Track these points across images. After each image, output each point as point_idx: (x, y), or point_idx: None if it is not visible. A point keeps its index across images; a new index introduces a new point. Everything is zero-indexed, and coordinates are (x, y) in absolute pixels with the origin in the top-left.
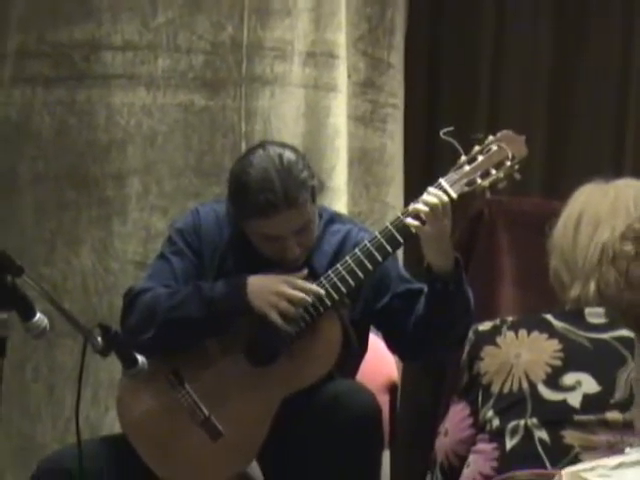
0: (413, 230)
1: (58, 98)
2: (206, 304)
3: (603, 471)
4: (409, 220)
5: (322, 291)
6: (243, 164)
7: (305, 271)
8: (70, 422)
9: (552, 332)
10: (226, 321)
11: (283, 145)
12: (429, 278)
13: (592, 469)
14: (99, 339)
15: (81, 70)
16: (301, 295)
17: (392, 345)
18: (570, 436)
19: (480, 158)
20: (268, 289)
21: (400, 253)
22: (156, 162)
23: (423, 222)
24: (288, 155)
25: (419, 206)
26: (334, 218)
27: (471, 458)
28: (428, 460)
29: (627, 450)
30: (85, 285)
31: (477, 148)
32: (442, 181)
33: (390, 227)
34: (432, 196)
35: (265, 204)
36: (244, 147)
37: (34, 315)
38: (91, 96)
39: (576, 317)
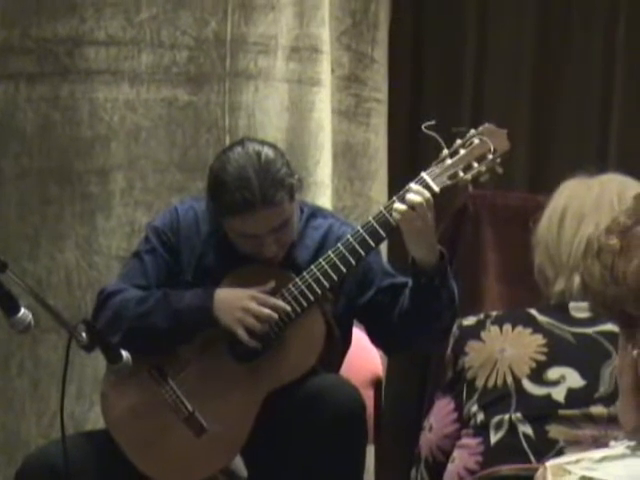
0: (394, 224)
1: (42, 94)
2: (172, 315)
3: (588, 464)
4: (395, 215)
5: (288, 307)
6: (221, 161)
7: (273, 284)
8: (55, 417)
9: (536, 327)
10: (192, 333)
11: (262, 142)
12: (414, 273)
13: (577, 462)
14: (83, 334)
15: (65, 66)
16: (267, 312)
17: (376, 339)
18: (554, 430)
19: (462, 151)
20: (235, 305)
21: (384, 248)
22: (140, 157)
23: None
24: (266, 152)
25: (402, 206)
26: (315, 213)
27: (456, 453)
28: (413, 456)
29: (612, 443)
30: (69, 280)
31: (459, 141)
32: (424, 175)
33: (373, 221)
34: (414, 194)
35: (242, 202)
36: (228, 142)
37: (18, 311)
38: (74, 92)
39: (560, 312)
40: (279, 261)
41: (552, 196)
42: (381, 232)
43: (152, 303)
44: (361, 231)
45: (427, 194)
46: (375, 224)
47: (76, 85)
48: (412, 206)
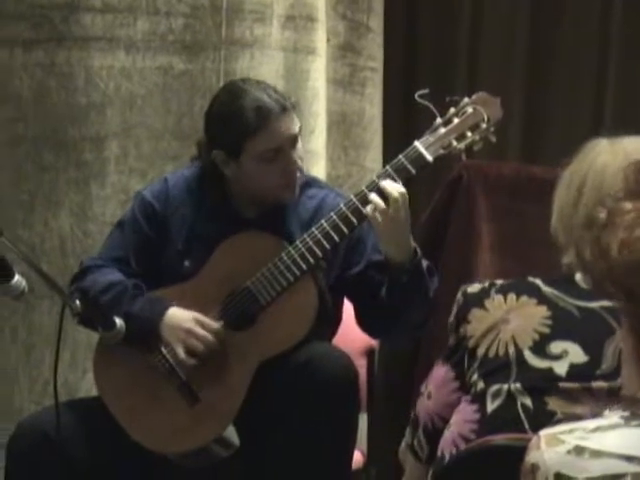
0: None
1: (37, 60)
2: (122, 316)
3: (581, 434)
4: (367, 209)
5: (222, 333)
6: (229, 95)
7: (221, 323)
8: (48, 384)
9: (541, 298)
10: (134, 338)
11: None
12: (385, 267)
13: (570, 431)
14: (77, 302)
15: (60, 32)
16: (209, 337)
17: (360, 319)
18: (554, 403)
19: (455, 120)
20: (179, 325)
21: None
22: (135, 125)
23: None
24: (259, 80)
25: (376, 198)
26: (311, 182)
27: (452, 419)
28: (407, 423)
29: (606, 413)
30: (63, 248)
31: (452, 110)
32: (417, 144)
33: (365, 191)
34: (389, 189)
35: (262, 113)
36: None
37: (13, 277)
38: (70, 58)
39: (566, 283)
40: (272, 227)
41: (580, 152)
42: None
43: (110, 296)
44: (354, 200)
45: (402, 189)
46: (368, 193)
47: (72, 52)
48: (386, 199)
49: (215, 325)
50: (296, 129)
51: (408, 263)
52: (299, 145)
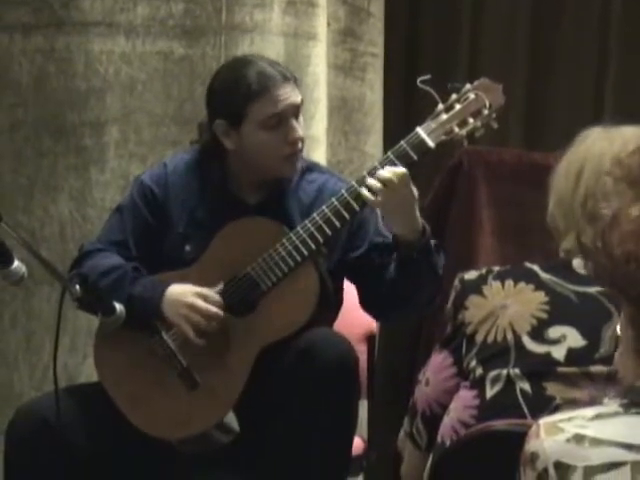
0: (369, 201)
1: (37, 46)
2: (124, 298)
3: (581, 422)
4: (364, 192)
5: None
6: (231, 68)
7: (221, 286)
8: (48, 370)
9: (539, 284)
10: (138, 319)
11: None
12: (394, 245)
13: (569, 420)
14: (77, 287)
15: (60, 17)
16: (213, 310)
17: (365, 302)
18: (552, 388)
19: (457, 107)
20: (182, 301)
21: None
22: (135, 110)
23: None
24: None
25: (373, 181)
26: (312, 167)
27: (452, 405)
28: (408, 409)
29: (605, 401)
30: (63, 233)
31: (454, 96)
32: (419, 130)
33: (367, 176)
34: (386, 171)
35: (264, 79)
36: None
37: (12, 262)
38: (70, 44)
39: (564, 269)
40: (272, 212)
41: (575, 141)
42: None
43: (111, 280)
44: (355, 186)
45: (400, 170)
46: (369, 178)
47: (71, 37)
48: (383, 183)
49: (216, 296)
50: (298, 100)
51: (417, 242)
52: (301, 119)
